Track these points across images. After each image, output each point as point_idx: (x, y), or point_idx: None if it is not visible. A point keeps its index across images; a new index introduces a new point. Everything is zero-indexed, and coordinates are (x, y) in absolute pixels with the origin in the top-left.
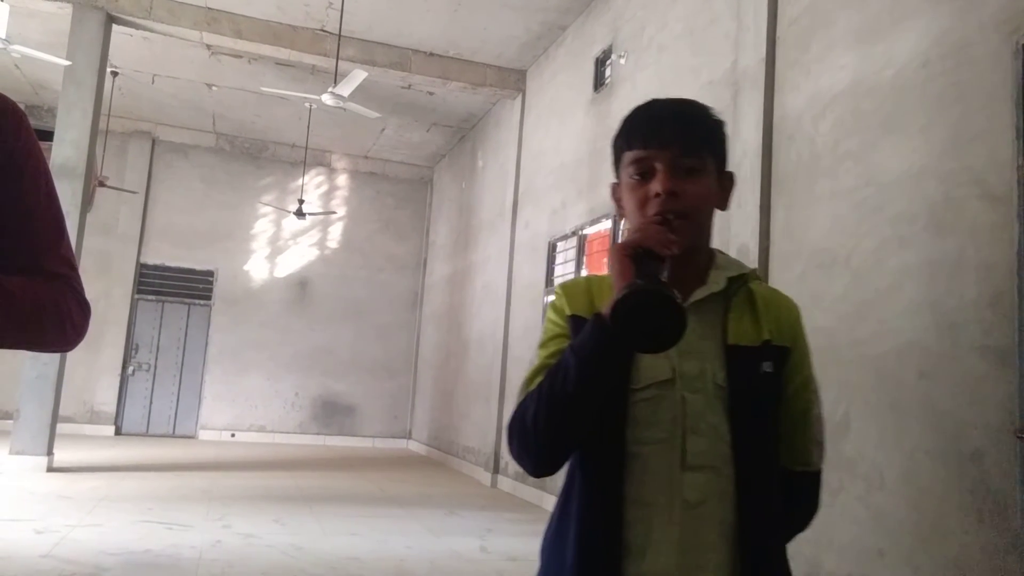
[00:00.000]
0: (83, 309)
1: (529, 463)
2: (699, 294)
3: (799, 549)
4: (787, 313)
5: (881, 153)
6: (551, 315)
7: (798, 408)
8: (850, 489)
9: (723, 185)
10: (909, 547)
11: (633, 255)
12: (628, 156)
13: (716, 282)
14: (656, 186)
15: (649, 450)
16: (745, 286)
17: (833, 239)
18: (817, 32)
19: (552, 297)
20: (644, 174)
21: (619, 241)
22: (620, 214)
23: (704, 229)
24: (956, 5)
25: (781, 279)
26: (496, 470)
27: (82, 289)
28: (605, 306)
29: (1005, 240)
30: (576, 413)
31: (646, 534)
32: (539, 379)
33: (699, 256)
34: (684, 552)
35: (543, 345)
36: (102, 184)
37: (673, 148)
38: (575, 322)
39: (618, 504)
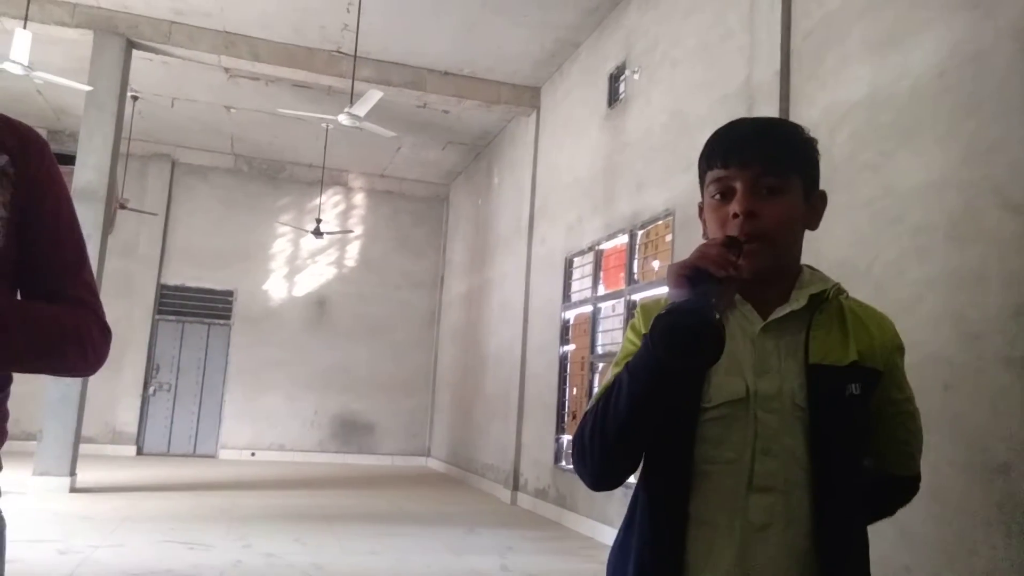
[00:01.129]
0: (104, 334)
1: (588, 477)
2: (779, 312)
3: None
4: (880, 331)
5: (899, 164)
6: (629, 334)
7: (898, 426)
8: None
9: (813, 204)
10: (935, 563)
11: (690, 275)
12: (710, 176)
13: (797, 300)
14: (735, 207)
15: (718, 469)
16: (833, 302)
17: (852, 251)
18: (832, 44)
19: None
20: (724, 194)
21: (677, 261)
22: (705, 235)
23: (788, 249)
24: (972, 14)
25: None
26: (516, 487)
27: (103, 314)
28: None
29: None
30: (629, 430)
31: (706, 553)
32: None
33: (785, 275)
34: (743, 573)
35: (617, 363)
36: (123, 207)
37: (753, 168)
38: None
39: (680, 522)
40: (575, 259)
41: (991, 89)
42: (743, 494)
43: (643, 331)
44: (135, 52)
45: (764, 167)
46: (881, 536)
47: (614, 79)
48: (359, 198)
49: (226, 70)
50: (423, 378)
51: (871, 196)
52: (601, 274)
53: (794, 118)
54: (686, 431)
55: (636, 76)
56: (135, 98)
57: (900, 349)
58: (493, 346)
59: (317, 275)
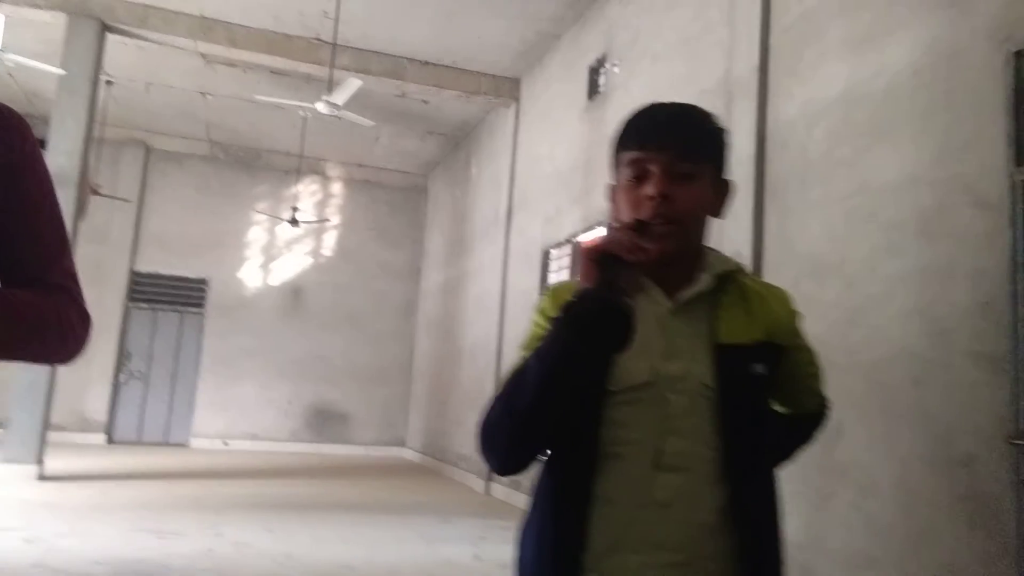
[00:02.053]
0: (84, 321)
1: (494, 462)
2: (686, 295)
3: (792, 555)
4: (780, 305)
5: (873, 160)
6: (536, 317)
7: (803, 382)
8: (842, 495)
9: (720, 192)
10: (901, 553)
11: (599, 259)
12: (625, 157)
13: (703, 281)
14: (649, 189)
15: (625, 451)
16: (735, 283)
17: (826, 246)
18: (810, 41)
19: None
20: (639, 176)
21: (586, 245)
22: (615, 216)
23: (695, 235)
24: (947, 14)
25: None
26: (490, 478)
27: (83, 301)
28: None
29: (996, 247)
30: (537, 415)
31: (610, 532)
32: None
33: (691, 259)
34: (646, 551)
35: (525, 346)
36: (95, 192)
37: (669, 152)
38: None
39: (585, 502)
40: (553, 251)
41: (965, 88)
42: (650, 474)
43: (551, 315)
44: (109, 36)
45: (680, 152)
46: (848, 527)
47: (594, 72)
48: (336, 187)
49: (202, 56)
50: (399, 368)
51: (846, 192)
52: (579, 266)
53: (772, 113)
54: (594, 414)
55: (616, 69)
56: (109, 83)
57: (795, 316)
58: (470, 337)
59: (293, 264)
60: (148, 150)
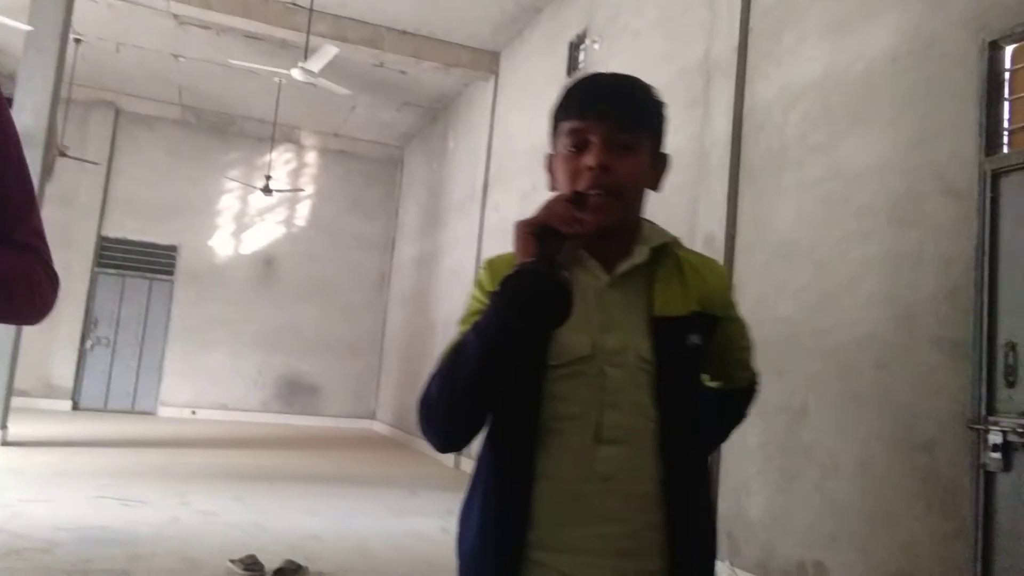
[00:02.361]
0: (52, 281)
1: (434, 438)
2: (623, 267)
3: (755, 533)
4: (714, 278)
5: (848, 146)
6: (474, 291)
7: (734, 355)
8: (806, 475)
9: (657, 166)
10: (861, 532)
11: (536, 232)
12: (564, 126)
13: (640, 254)
14: (589, 159)
15: (564, 425)
16: (672, 255)
17: (798, 230)
18: (790, 23)
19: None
20: (579, 146)
21: (524, 218)
22: (552, 186)
23: (634, 207)
24: (926, 2)
25: (747, 268)
26: (459, 451)
27: (51, 260)
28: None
29: (964, 235)
30: (477, 391)
31: (555, 507)
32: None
33: (628, 231)
34: (592, 523)
35: (463, 321)
36: (63, 154)
37: (610, 122)
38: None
39: (527, 478)
40: None
41: (940, 77)
42: (591, 447)
43: (489, 288)
44: None
45: (620, 122)
46: (809, 506)
47: (574, 47)
48: (311, 157)
49: (175, 16)
50: (371, 341)
51: (820, 177)
52: None
53: (749, 96)
54: (533, 389)
55: (596, 46)
56: (78, 41)
57: (728, 288)
58: (443, 311)
59: (265, 233)
60: (118, 112)
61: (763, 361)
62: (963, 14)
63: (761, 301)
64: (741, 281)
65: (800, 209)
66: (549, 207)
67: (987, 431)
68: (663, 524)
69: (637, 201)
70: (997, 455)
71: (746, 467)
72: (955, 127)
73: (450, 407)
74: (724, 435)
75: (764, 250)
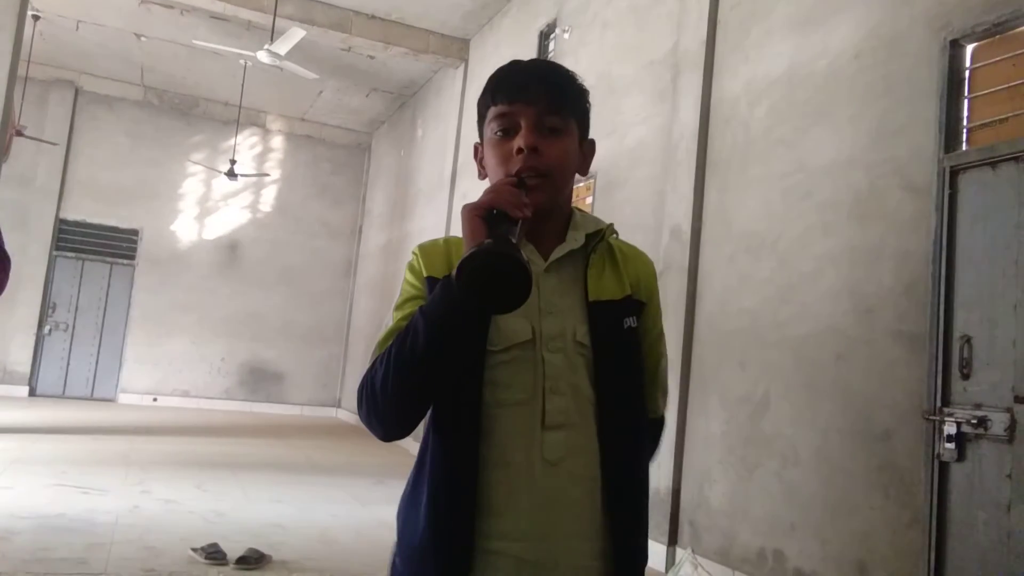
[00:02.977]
0: (3, 263)
1: (379, 427)
2: (558, 252)
3: (716, 522)
4: (644, 268)
5: (812, 141)
6: (408, 276)
7: (652, 361)
8: (767, 465)
9: (584, 151)
10: (819, 521)
11: (485, 216)
12: (492, 111)
13: (574, 239)
14: (519, 141)
15: (508, 412)
16: (604, 241)
17: (762, 223)
18: (757, 18)
19: (410, 258)
20: (507, 130)
21: (471, 202)
22: (481, 175)
23: (564, 190)
24: (890, 0)
25: (712, 261)
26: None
27: (2, 242)
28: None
29: (922, 230)
30: (425, 376)
31: (506, 495)
32: (391, 342)
33: (559, 216)
34: (543, 510)
35: (398, 307)
36: (20, 134)
37: (538, 105)
38: (432, 283)
39: (473, 465)
40: None
41: (902, 74)
42: (538, 433)
43: (424, 274)
44: None
45: (548, 106)
46: (769, 495)
47: (544, 36)
48: (277, 141)
49: None
50: (336, 328)
51: (784, 171)
52: None
53: (716, 89)
54: (474, 375)
55: (566, 35)
56: (36, 17)
57: (656, 285)
58: None
59: (229, 218)
60: (77, 91)
61: (726, 352)
62: (925, 13)
63: (725, 293)
64: (706, 273)
65: (765, 202)
66: (497, 190)
67: (942, 422)
68: (606, 505)
69: (567, 184)
70: (951, 445)
71: (708, 456)
72: (916, 124)
73: (396, 394)
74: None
75: (729, 243)
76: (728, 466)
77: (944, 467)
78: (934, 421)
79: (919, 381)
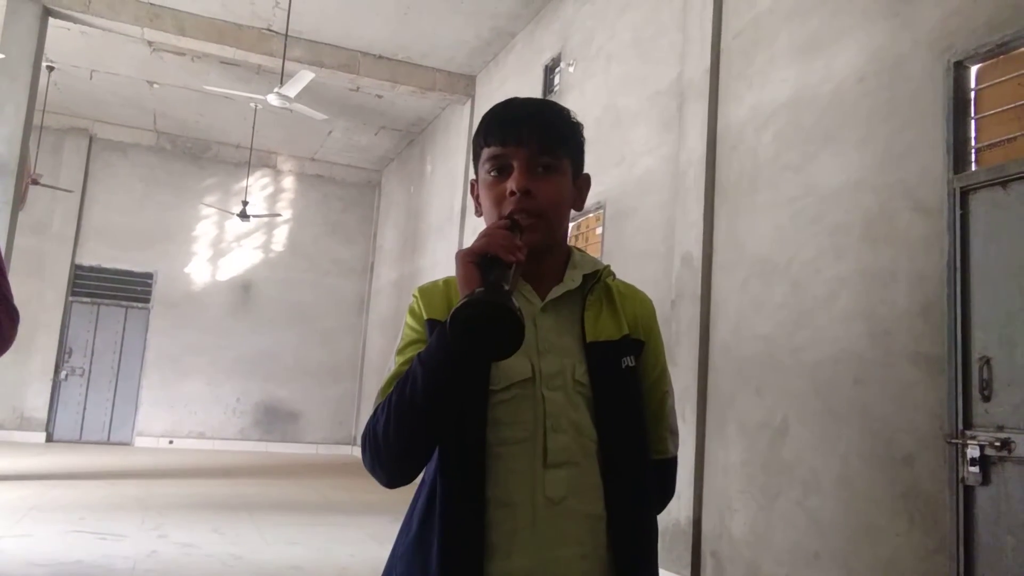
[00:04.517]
0: (11, 317)
1: (383, 475)
2: (556, 292)
3: (739, 552)
4: (642, 307)
5: (820, 165)
6: (409, 320)
7: (655, 400)
8: (788, 493)
9: (579, 187)
10: (843, 549)
11: (478, 261)
12: (486, 153)
13: (572, 279)
14: (512, 184)
15: (510, 450)
16: (601, 282)
17: (773, 248)
18: (760, 45)
19: (411, 300)
20: (501, 171)
21: (464, 248)
22: (478, 212)
23: (559, 228)
24: (892, 23)
25: (724, 287)
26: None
27: (11, 295)
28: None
29: (935, 251)
30: (426, 423)
31: (510, 534)
32: (391, 390)
33: (556, 254)
34: (547, 548)
35: (400, 351)
36: (35, 182)
37: (530, 146)
38: (432, 325)
39: (481, 506)
40: None
41: (907, 96)
42: (540, 471)
43: (424, 316)
44: (52, 20)
45: (540, 146)
46: (792, 523)
47: (549, 71)
48: (288, 181)
49: (149, 43)
50: (350, 366)
51: (792, 195)
52: None
53: (723, 117)
54: (476, 415)
55: (571, 69)
56: (51, 68)
57: (656, 324)
58: None
59: (242, 259)
60: (92, 139)
61: (742, 379)
62: (928, 36)
63: (739, 319)
64: (719, 300)
65: (775, 227)
66: (490, 235)
67: (965, 445)
68: (612, 544)
69: (562, 222)
70: (975, 469)
71: (728, 485)
72: (923, 145)
73: (398, 441)
74: (660, 509)
75: (741, 269)
76: (748, 495)
77: (969, 491)
78: (956, 444)
79: (939, 404)
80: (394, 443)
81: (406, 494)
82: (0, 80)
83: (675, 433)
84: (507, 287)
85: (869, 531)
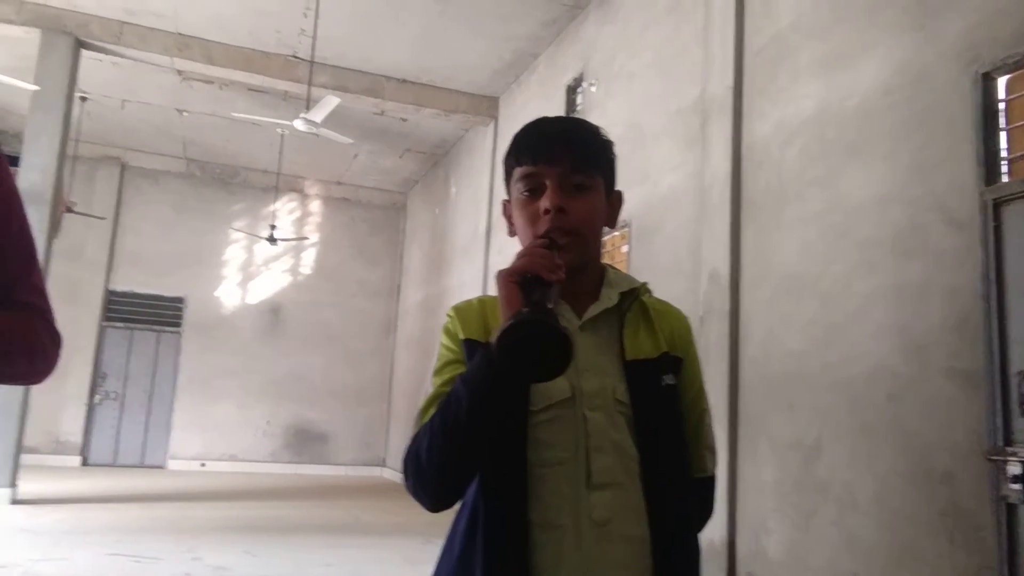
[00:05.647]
0: (55, 340)
1: (427, 499)
2: (593, 310)
3: (774, 573)
4: (679, 324)
5: (847, 179)
6: (444, 340)
7: (695, 417)
8: (823, 512)
9: (612, 203)
10: (882, 570)
11: (520, 281)
12: (518, 172)
13: (609, 298)
14: (545, 202)
15: (552, 472)
16: (638, 300)
17: (802, 264)
18: (783, 61)
19: (445, 320)
20: (533, 190)
21: (505, 268)
22: (511, 232)
23: (593, 246)
24: (916, 36)
25: (752, 304)
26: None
27: (54, 319)
28: (494, 335)
29: (969, 264)
30: (470, 445)
31: (555, 557)
32: (433, 410)
33: (591, 272)
34: (594, 572)
35: (438, 372)
36: (69, 210)
37: (562, 164)
38: (469, 346)
39: (524, 528)
40: None
41: (934, 108)
42: (584, 493)
43: (460, 336)
44: (84, 52)
45: (572, 164)
46: (829, 543)
47: (571, 91)
48: (315, 205)
49: (179, 72)
50: (378, 387)
51: (820, 210)
52: None
53: (747, 133)
54: (517, 436)
55: (593, 88)
56: (83, 99)
57: (693, 340)
58: None
59: (271, 282)
60: (123, 167)
61: (774, 397)
62: (954, 47)
63: (769, 336)
64: (748, 316)
65: (803, 243)
66: (530, 254)
67: (1006, 462)
68: (657, 567)
69: (596, 239)
70: (1018, 486)
71: (762, 505)
72: (952, 157)
73: (441, 463)
74: (700, 528)
75: (769, 285)
76: (783, 514)
77: (1012, 509)
78: (997, 461)
79: (978, 420)
80: (438, 466)
81: (438, 516)
82: (35, 112)
83: (713, 451)
84: (551, 307)
85: (908, 551)
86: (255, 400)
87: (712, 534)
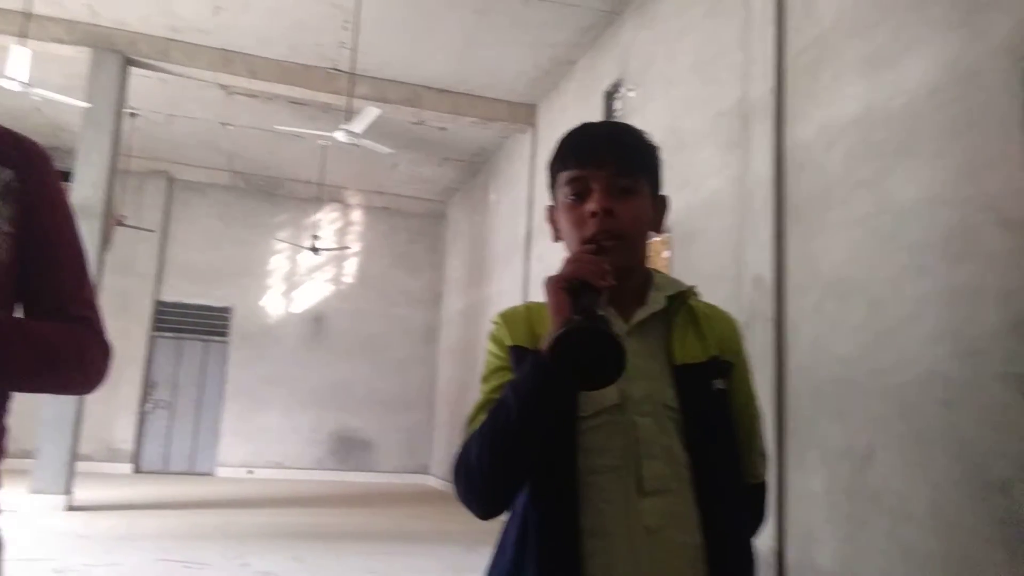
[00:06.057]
0: (105, 352)
1: (477, 506)
2: (640, 315)
3: None
4: (728, 328)
5: (895, 181)
6: (492, 347)
7: (745, 422)
8: (876, 522)
9: (657, 208)
10: None
11: (568, 288)
12: (563, 176)
13: (656, 302)
14: (592, 205)
15: (603, 479)
16: (685, 304)
17: (849, 268)
18: (825, 62)
19: (492, 327)
20: (580, 194)
21: (554, 274)
22: (556, 237)
23: (639, 250)
24: (963, 32)
25: (798, 309)
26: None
27: (104, 331)
28: (544, 342)
29: (1023, 266)
30: (521, 452)
31: (608, 567)
32: (482, 416)
33: (637, 277)
34: None
35: (485, 379)
36: (120, 223)
37: (608, 168)
38: (517, 353)
39: (575, 536)
40: None
41: (983, 106)
42: (636, 500)
43: (508, 343)
44: (132, 69)
45: (619, 168)
46: (883, 554)
47: (610, 96)
48: (356, 215)
49: (223, 87)
50: (422, 395)
51: (867, 213)
52: None
53: (790, 135)
54: (566, 442)
55: (632, 94)
56: (132, 115)
57: (742, 344)
58: None
59: (314, 292)
60: (171, 180)
61: (822, 404)
62: (1002, 43)
63: (816, 342)
64: (794, 322)
65: (850, 246)
66: (578, 260)
67: None
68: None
69: (642, 243)
70: None
71: (811, 515)
72: (1004, 157)
73: (493, 471)
74: (752, 535)
75: (815, 290)
76: (834, 524)
77: None
78: None
79: None
80: (489, 473)
81: (482, 524)
82: (86, 128)
83: (765, 457)
84: (601, 313)
85: (965, 562)
86: (300, 408)
87: (760, 544)
